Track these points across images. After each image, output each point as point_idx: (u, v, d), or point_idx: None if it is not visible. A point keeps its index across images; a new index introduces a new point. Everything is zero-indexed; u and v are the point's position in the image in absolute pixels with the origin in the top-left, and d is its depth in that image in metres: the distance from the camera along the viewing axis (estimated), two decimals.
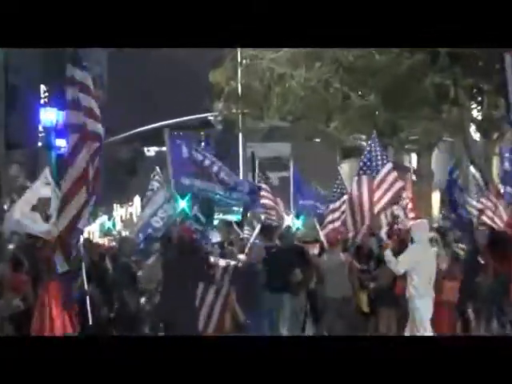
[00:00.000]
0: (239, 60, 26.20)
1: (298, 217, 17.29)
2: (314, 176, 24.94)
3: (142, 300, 12.83)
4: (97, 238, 21.99)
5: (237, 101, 26.33)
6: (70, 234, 10.50)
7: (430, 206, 25.07)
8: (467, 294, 12.62)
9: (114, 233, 24.86)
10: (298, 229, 16.52)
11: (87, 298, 10.89)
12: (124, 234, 21.76)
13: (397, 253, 11.80)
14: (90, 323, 10.84)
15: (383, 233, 13.46)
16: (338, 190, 15.94)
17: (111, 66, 56.85)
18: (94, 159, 10.39)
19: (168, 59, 53.71)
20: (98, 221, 25.94)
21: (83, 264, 10.92)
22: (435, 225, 16.49)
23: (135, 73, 59.66)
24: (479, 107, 24.41)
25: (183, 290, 10.70)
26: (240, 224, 16.36)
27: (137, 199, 27.82)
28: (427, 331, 11.28)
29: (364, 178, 14.31)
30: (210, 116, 34.58)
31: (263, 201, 15.36)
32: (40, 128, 42.61)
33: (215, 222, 16.02)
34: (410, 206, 16.07)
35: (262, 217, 15.09)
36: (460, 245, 14.02)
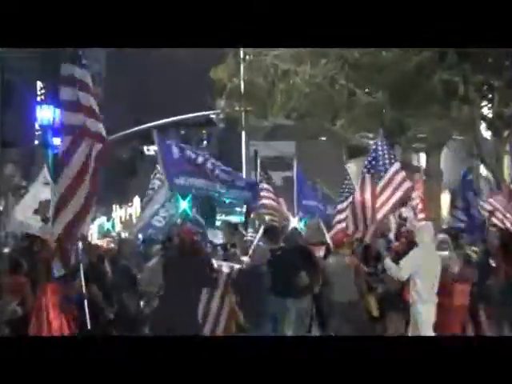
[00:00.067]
0: (242, 56, 25.89)
1: (302, 218, 17.04)
2: (319, 176, 24.69)
3: (142, 303, 12.61)
4: (95, 240, 21.75)
5: (239, 98, 26.00)
6: (69, 236, 10.33)
7: (439, 207, 24.65)
8: (479, 296, 12.40)
9: (113, 234, 24.59)
10: (302, 230, 16.25)
11: (85, 300, 10.68)
12: (123, 235, 21.56)
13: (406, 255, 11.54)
14: (89, 327, 10.62)
15: (391, 234, 13.20)
16: (347, 190, 15.57)
17: (110, 63, 56.89)
18: (94, 159, 10.19)
19: (168, 56, 53.58)
20: (97, 222, 25.78)
21: (81, 266, 10.68)
22: (445, 226, 16.23)
23: (135, 70, 59.62)
24: (489, 104, 23.96)
25: (184, 293, 10.45)
26: (243, 225, 16.11)
27: (136, 200, 27.64)
28: None
29: (370, 178, 13.96)
30: (211, 114, 34.26)
31: (265, 201, 15.15)
32: (36, 126, 42.40)
33: (217, 223, 15.83)
34: (420, 206, 15.77)
35: (266, 218, 14.87)
36: (473, 247, 13.73)
